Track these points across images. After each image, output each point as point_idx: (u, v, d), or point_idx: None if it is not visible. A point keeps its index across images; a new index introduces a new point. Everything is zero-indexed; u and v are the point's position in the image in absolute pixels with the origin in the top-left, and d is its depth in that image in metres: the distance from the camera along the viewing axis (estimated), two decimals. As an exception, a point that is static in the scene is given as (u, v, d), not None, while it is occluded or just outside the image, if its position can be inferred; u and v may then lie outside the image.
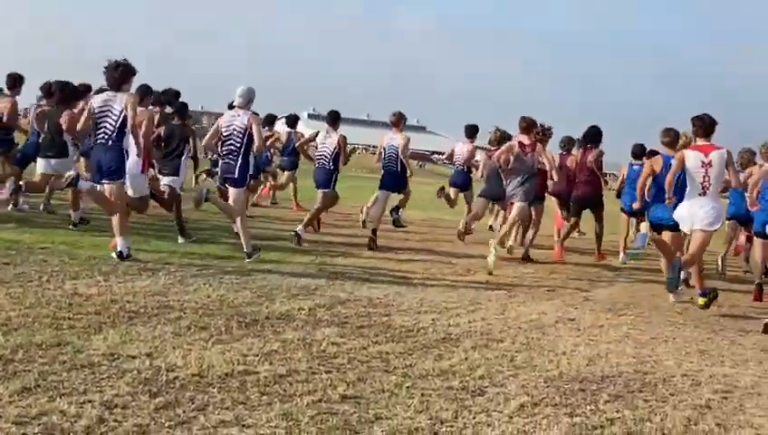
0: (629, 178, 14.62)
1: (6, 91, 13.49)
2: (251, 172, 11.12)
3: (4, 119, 12.92)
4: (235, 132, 10.54)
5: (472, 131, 16.63)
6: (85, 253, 9.57)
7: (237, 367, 5.57)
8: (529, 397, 5.59)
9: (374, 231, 13.19)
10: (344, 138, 13.54)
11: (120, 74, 9.57)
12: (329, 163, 13.35)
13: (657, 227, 10.75)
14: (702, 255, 10.12)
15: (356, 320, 7.52)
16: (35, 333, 5.87)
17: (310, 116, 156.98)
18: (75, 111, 11.50)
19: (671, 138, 10.82)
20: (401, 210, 14.33)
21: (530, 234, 13.83)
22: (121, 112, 9.44)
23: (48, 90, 12.36)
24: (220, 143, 10.86)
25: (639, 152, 14.73)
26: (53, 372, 5.06)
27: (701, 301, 9.85)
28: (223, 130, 10.72)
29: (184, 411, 4.59)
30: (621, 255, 14.42)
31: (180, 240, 11.47)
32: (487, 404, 5.35)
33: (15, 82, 13.29)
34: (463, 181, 16.47)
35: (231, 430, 4.39)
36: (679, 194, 9.93)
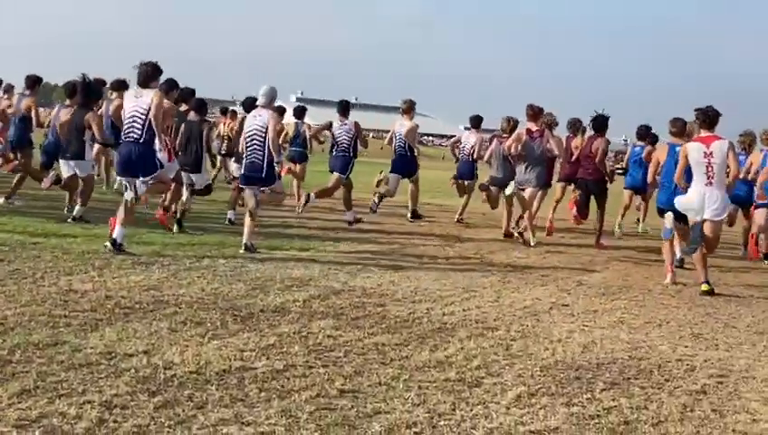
0: (632, 158, 15.49)
1: (26, 91, 14.25)
2: (276, 169, 11.43)
3: (34, 119, 13.78)
4: (258, 131, 10.75)
5: (477, 122, 17.00)
6: (78, 247, 9.57)
7: (234, 363, 5.58)
8: (525, 387, 5.62)
9: (381, 197, 14.29)
10: (358, 124, 14.16)
11: (147, 72, 9.88)
12: (348, 151, 13.96)
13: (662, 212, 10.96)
14: (717, 243, 10.45)
15: (351, 311, 7.54)
16: (32, 333, 5.87)
17: (298, 100, 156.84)
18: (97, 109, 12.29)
19: (678, 128, 11.21)
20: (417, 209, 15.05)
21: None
22: (148, 109, 9.71)
23: (72, 90, 12.52)
24: (244, 142, 11.11)
25: (644, 134, 15.40)
26: (52, 372, 5.06)
27: (704, 287, 10.01)
28: (245, 129, 10.99)
29: (183, 410, 4.60)
30: (617, 228, 15.72)
31: (175, 229, 11.56)
32: (484, 395, 5.37)
33: (34, 83, 14.19)
34: (469, 171, 16.60)
35: (231, 429, 4.40)
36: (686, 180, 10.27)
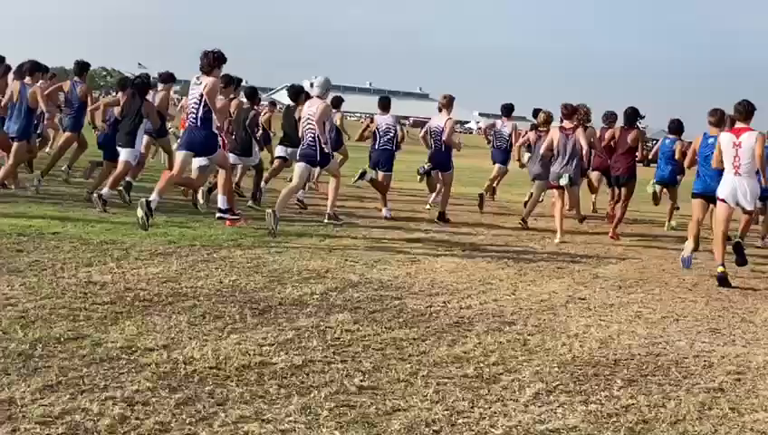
0: (662, 150, 15.64)
1: (77, 78, 15.20)
2: (331, 153, 12.26)
3: (89, 104, 14.82)
4: (311, 118, 11.71)
5: (509, 110, 18.04)
6: (97, 238, 9.62)
7: (254, 358, 5.61)
8: (543, 384, 5.64)
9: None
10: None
11: (211, 60, 10.63)
12: (391, 145, 14.69)
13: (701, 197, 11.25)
14: (749, 227, 11.71)
15: (368, 304, 7.56)
16: (53, 326, 5.92)
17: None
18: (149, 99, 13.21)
19: (717, 117, 11.39)
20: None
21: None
22: (202, 96, 10.49)
23: (124, 84, 13.61)
24: (302, 130, 12.16)
25: (676, 128, 15.62)
26: (73, 367, 5.11)
27: (720, 269, 10.23)
28: (303, 118, 11.88)
29: (204, 407, 4.64)
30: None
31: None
32: (502, 392, 5.39)
33: (83, 69, 15.23)
34: (504, 159, 17.60)
35: (251, 426, 4.43)
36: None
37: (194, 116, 10.70)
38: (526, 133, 17.22)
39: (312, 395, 5.00)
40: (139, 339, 5.82)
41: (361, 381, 5.35)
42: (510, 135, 17.56)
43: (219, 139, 11.40)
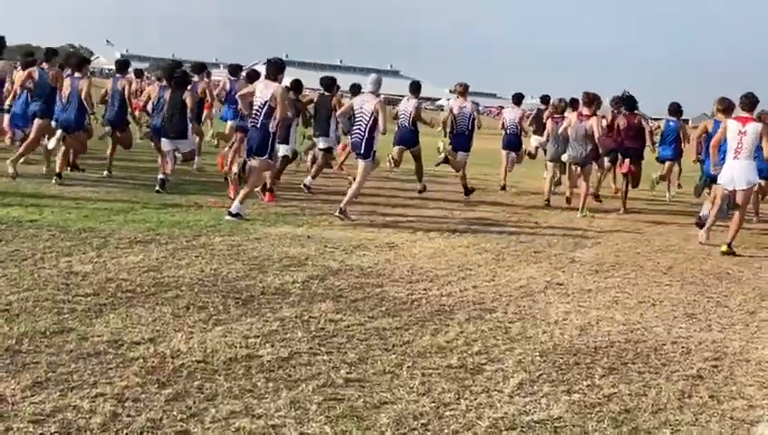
0: (666, 132, 17.31)
1: (118, 74, 15.72)
2: (374, 148, 12.62)
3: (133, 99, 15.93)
4: (365, 114, 12.29)
5: (519, 99, 19.46)
6: (75, 225, 9.58)
7: (240, 351, 5.65)
8: (527, 373, 5.72)
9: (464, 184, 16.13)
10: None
11: (274, 68, 11.68)
12: (410, 124, 15.70)
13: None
14: (746, 209, 12.40)
15: (350, 293, 7.61)
16: (38, 320, 5.92)
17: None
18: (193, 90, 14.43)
19: (725, 106, 12.64)
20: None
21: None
22: (266, 101, 11.32)
23: (169, 76, 14.02)
24: (352, 120, 12.87)
25: (675, 110, 17.28)
26: (62, 363, 5.12)
27: (724, 248, 11.59)
28: (355, 110, 12.53)
29: (194, 403, 4.68)
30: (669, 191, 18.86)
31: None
32: (487, 383, 5.47)
33: (124, 66, 16.16)
34: (516, 144, 18.75)
35: (242, 422, 4.47)
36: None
37: (257, 118, 11.45)
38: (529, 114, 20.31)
39: (300, 389, 5.05)
40: (124, 332, 5.83)
41: (348, 373, 5.41)
42: (520, 119, 18.97)
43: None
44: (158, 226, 10.10)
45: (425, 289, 8.02)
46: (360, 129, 12.34)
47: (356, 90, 16.22)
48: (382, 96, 13.06)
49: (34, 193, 11.80)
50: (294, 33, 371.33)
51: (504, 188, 18.23)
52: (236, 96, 13.66)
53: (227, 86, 17.89)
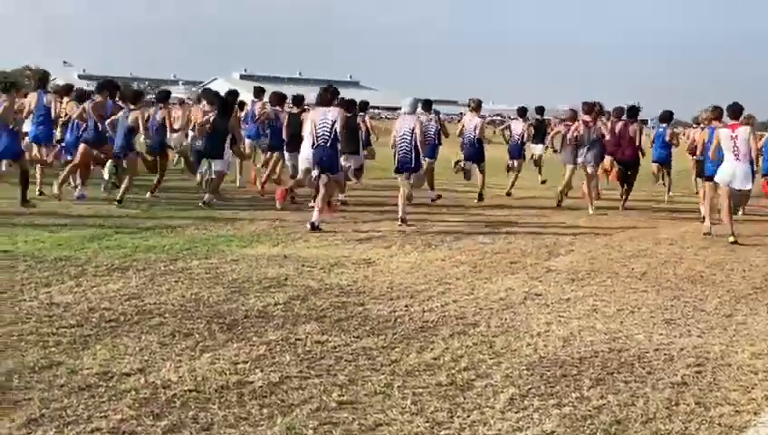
0: (657, 137, 19.93)
1: (160, 104, 16.66)
2: (421, 160, 14.40)
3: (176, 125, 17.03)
4: (407, 133, 13.91)
5: (523, 111, 21.27)
6: (50, 254, 9.52)
7: (231, 377, 5.66)
8: (516, 388, 5.78)
9: (480, 195, 17.82)
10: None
11: (330, 95, 13.44)
12: (434, 139, 17.90)
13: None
14: (746, 202, 14.88)
15: (333, 312, 7.63)
16: (25, 355, 5.89)
17: (242, 77, 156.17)
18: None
19: (716, 114, 14.33)
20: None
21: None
22: (334, 122, 13.03)
23: (212, 99, 15.68)
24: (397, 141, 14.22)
25: (666, 117, 20.02)
26: (54, 398, 5.09)
27: (731, 238, 13.16)
28: (398, 131, 14.09)
29: (191, 433, 4.69)
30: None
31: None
32: (478, 400, 5.52)
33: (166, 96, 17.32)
34: (520, 153, 20.42)
35: (241, 451, 4.49)
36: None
37: (326, 138, 13.00)
38: (556, 126, 22.19)
39: (295, 414, 5.07)
40: (113, 363, 5.82)
41: (340, 395, 5.44)
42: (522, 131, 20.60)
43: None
44: (133, 251, 10.06)
45: (406, 305, 8.06)
46: (406, 147, 13.86)
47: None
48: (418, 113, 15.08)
49: (3, 222, 11.70)
50: (253, 47, 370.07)
51: (509, 194, 19.67)
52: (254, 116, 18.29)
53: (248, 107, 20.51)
